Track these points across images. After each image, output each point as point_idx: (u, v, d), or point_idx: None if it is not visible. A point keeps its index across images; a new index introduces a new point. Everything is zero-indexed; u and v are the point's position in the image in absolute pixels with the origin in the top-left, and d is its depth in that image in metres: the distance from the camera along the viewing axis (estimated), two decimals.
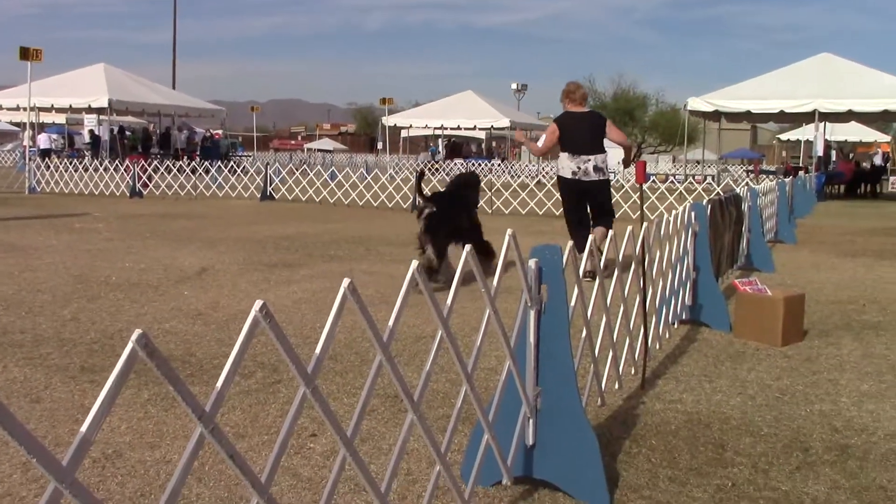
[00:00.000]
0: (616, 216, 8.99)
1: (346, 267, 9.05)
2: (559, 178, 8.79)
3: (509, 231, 2.94)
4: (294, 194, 20.05)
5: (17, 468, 3.30)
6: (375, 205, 18.31)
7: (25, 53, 21.27)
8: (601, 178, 8.57)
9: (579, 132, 8.54)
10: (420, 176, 9.00)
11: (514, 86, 63.88)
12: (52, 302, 6.77)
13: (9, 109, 34.62)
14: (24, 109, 25.55)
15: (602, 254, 4.42)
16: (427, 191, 8.35)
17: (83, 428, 1.58)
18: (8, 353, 5.11)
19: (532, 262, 3.13)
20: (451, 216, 7.89)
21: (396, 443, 2.50)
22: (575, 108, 8.70)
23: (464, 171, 9.22)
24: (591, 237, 4.39)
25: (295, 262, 9.40)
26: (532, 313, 3.15)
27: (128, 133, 35.68)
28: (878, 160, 34.49)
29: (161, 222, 14.02)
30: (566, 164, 8.54)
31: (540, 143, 8.99)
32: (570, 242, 3.44)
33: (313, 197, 19.54)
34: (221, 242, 11.11)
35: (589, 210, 8.72)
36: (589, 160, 8.46)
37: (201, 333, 5.75)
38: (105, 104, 30.48)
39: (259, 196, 20.25)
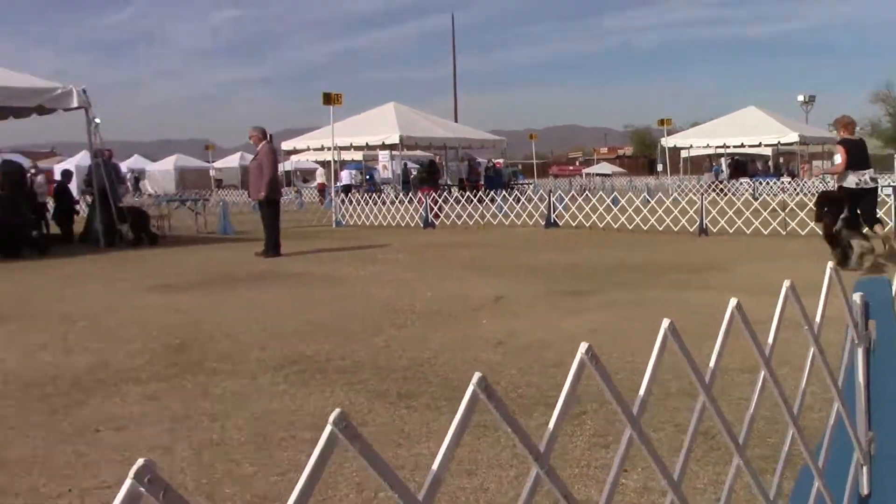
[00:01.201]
0: None
1: (635, 294, 8.96)
2: (845, 189, 11.46)
3: (830, 264, 2.78)
4: (577, 221, 20.20)
5: (352, 489, 3.61)
6: (661, 228, 17.96)
7: (328, 98, 23.39)
8: (875, 185, 11.88)
9: (859, 153, 11.61)
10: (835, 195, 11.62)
11: (800, 98, 60.23)
12: (363, 329, 7.34)
13: (315, 150, 38.07)
14: (328, 149, 28.01)
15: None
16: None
17: (434, 465, 1.70)
18: (333, 379, 5.61)
19: (857, 297, 2.93)
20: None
21: (724, 487, 2.44)
22: (850, 136, 11.86)
23: (824, 189, 14.36)
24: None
25: (584, 289, 9.46)
26: (860, 351, 2.94)
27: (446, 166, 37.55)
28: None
29: (453, 251, 14.72)
30: (851, 179, 11.42)
31: (838, 160, 11.83)
32: None
33: (596, 223, 19.56)
34: (511, 270, 11.45)
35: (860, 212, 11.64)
36: (866, 173, 11.52)
37: (503, 362, 5.96)
38: (397, 140, 32.59)
39: (543, 223, 20.64)
